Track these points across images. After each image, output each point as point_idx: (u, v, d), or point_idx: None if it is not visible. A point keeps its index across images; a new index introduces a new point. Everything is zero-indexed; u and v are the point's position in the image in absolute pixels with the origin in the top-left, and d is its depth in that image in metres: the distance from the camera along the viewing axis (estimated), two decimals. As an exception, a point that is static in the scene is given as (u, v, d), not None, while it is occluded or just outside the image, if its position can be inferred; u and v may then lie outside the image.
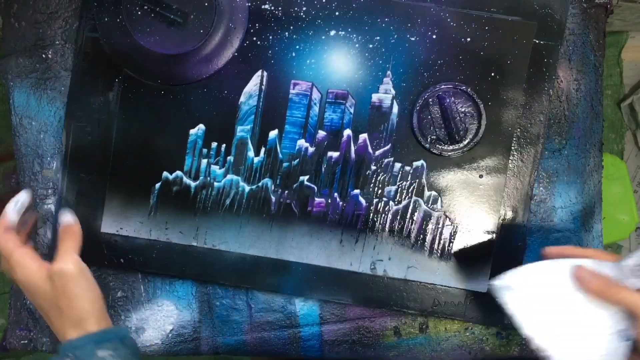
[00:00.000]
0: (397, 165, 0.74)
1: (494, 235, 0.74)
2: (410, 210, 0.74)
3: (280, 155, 0.74)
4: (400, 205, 0.74)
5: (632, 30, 1.28)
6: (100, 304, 0.62)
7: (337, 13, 0.72)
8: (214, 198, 0.74)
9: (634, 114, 1.29)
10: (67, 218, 0.67)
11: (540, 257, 0.62)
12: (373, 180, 0.74)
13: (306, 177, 0.74)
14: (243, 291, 0.76)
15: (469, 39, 0.72)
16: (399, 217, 0.74)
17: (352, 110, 0.73)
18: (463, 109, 0.72)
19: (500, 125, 0.73)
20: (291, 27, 0.73)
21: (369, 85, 0.73)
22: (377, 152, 0.74)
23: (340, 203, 0.74)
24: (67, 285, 0.61)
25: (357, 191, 0.74)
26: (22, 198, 0.66)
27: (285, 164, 0.74)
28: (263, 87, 0.73)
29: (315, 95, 0.73)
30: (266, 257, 0.75)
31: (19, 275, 0.62)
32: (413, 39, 0.72)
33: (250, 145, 0.74)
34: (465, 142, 0.72)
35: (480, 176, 0.74)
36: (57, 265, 0.61)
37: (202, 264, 0.75)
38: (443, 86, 0.72)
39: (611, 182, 1.16)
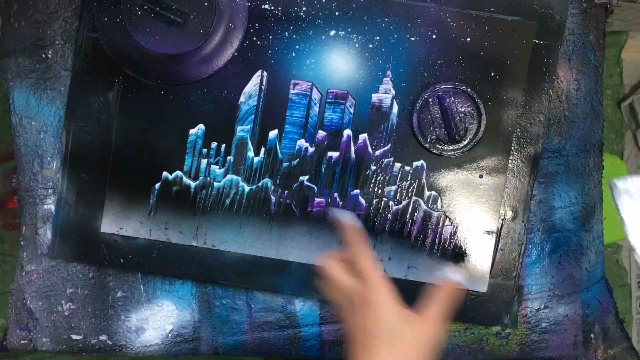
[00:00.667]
0: (397, 165, 0.74)
1: (494, 235, 0.74)
2: (410, 210, 0.74)
3: (280, 155, 0.74)
4: (400, 205, 0.74)
5: (632, 30, 1.28)
6: None
7: (337, 13, 0.72)
8: (213, 198, 0.74)
9: (634, 114, 1.29)
10: (458, 277, 0.62)
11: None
12: (373, 180, 0.74)
13: (306, 177, 0.74)
14: (243, 291, 0.76)
15: (468, 39, 0.72)
16: (398, 217, 0.74)
17: (352, 110, 0.73)
18: (463, 109, 0.72)
19: (500, 125, 0.73)
20: (291, 27, 0.73)
21: (368, 85, 0.73)
22: (377, 152, 0.74)
23: (340, 203, 0.74)
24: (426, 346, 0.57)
25: (357, 191, 0.74)
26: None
27: (285, 164, 0.74)
28: (263, 87, 0.73)
29: (315, 95, 0.73)
30: (266, 257, 0.75)
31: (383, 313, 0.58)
32: (413, 38, 0.72)
33: (250, 145, 0.74)
34: (465, 142, 0.72)
35: (480, 176, 0.74)
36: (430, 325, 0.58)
37: (202, 264, 0.75)
38: (443, 86, 0.72)
39: (611, 182, 1.16)
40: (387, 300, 0.58)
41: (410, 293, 0.74)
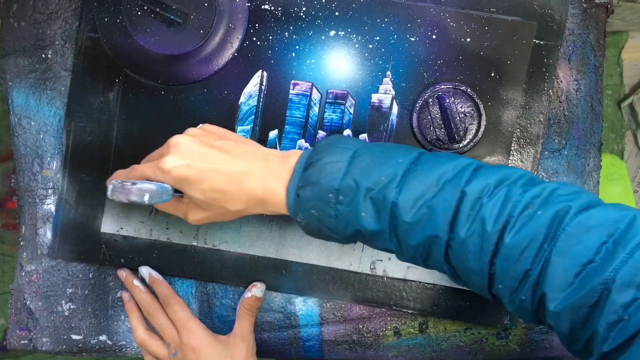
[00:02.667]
0: (397, 165, 0.74)
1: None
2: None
3: (280, 156, 0.74)
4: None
5: (632, 30, 1.28)
6: None
7: (337, 13, 0.72)
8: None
9: (634, 114, 1.29)
10: (258, 292, 0.73)
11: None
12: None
13: (306, 177, 0.74)
14: (243, 291, 0.76)
15: (468, 39, 0.72)
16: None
17: (352, 111, 0.73)
18: (463, 109, 0.72)
19: (500, 125, 0.73)
20: (291, 28, 0.73)
21: (368, 85, 0.73)
22: (377, 152, 0.74)
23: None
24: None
25: (357, 191, 0.74)
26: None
27: (285, 164, 0.74)
28: (263, 87, 0.73)
29: (315, 95, 0.73)
30: (266, 256, 0.75)
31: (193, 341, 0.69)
32: (413, 39, 0.72)
33: (250, 146, 0.74)
34: (465, 142, 0.72)
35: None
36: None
37: (202, 263, 0.75)
38: (443, 86, 0.72)
39: (611, 182, 1.16)
40: (201, 340, 0.68)
41: (412, 294, 0.75)
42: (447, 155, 0.54)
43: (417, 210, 0.50)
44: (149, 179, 0.59)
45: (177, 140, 0.58)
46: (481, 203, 0.49)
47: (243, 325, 0.71)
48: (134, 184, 0.55)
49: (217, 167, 0.56)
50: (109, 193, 0.56)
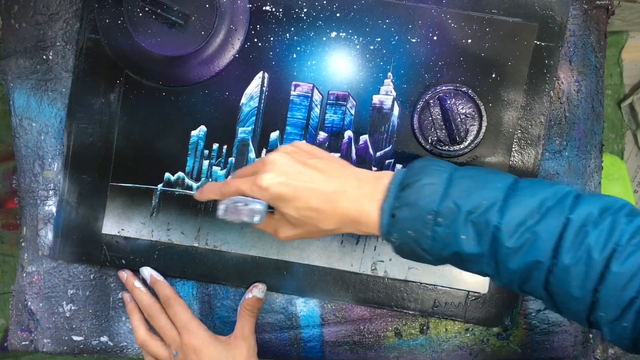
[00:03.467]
0: (398, 166, 0.74)
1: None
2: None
3: (281, 157, 0.74)
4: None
5: (632, 30, 1.28)
6: None
7: (338, 14, 0.72)
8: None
9: (634, 114, 1.29)
10: (259, 293, 0.74)
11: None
12: (374, 182, 0.74)
13: (307, 179, 0.74)
14: (244, 292, 0.76)
15: (469, 41, 0.72)
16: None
17: (353, 112, 0.73)
18: (464, 110, 0.72)
19: (501, 126, 0.73)
20: (292, 29, 0.73)
21: (369, 86, 0.73)
22: (378, 154, 0.74)
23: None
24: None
25: (358, 192, 0.74)
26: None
27: (286, 165, 0.74)
28: (264, 88, 0.73)
29: (316, 96, 0.73)
30: (267, 257, 0.75)
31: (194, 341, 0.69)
32: (414, 40, 0.72)
33: (251, 147, 0.74)
34: (466, 144, 0.72)
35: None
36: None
37: (203, 264, 0.75)
38: (444, 87, 0.72)
39: (611, 182, 1.16)
40: (202, 341, 0.69)
41: (413, 295, 0.75)
42: (544, 182, 0.55)
43: (520, 235, 0.51)
44: (244, 195, 0.59)
45: (273, 157, 0.59)
46: (586, 231, 0.50)
47: (244, 326, 0.71)
48: (246, 204, 0.56)
49: (313, 186, 0.57)
50: (220, 213, 0.57)
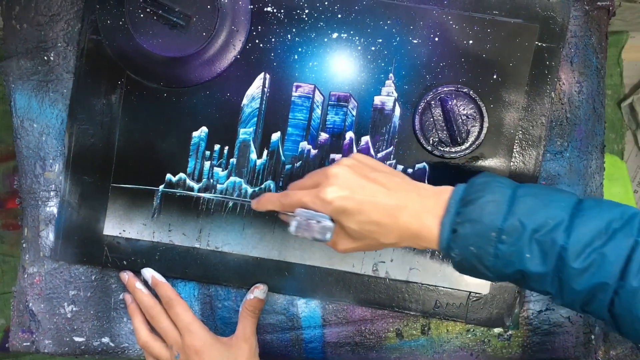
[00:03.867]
0: (399, 167, 0.74)
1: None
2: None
3: (282, 158, 0.74)
4: (403, 208, 0.74)
5: (632, 30, 1.28)
6: None
7: (339, 15, 0.72)
8: (217, 200, 0.74)
9: (634, 114, 1.29)
10: (260, 294, 0.74)
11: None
12: (375, 183, 0.74)
13: (309, 180, 0.74)
14: (245, 293, 0.76)
15: (471, 42, 0.72)
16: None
17: (354, 113, 0.73)
18: (465, 111, 0.72)
19: (502, 127, 0.73)
20: (293, 30, 0.73)
21: (371, 87, 0.73)
22: (379, 155, 0.74)
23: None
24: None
25: (359, 193, 0.74)
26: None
27: (287, 166, 0.74)
28: (265, 89, 0.73)
29: (318, 97, 0.73)
30: (269, 258, 0.75)
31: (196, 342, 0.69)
32: (415, 41, 0.72)
33: (252, 148, 0.74)
34: (467, 145, 0.72)
35: (482, 178, 0.74)
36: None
37: (204, 265, 0.75)
38: (445, 88, 0.72)
39: (611, 183, 1.16)
40: (204, 342, 0.69)
41: (414, 295, 0.75)
42: (609, 202, 0.55)
43: (586, 256, 0.51)
44: (305, 207, 0.59)
45: (336, 170, 0.59)
46: None
47: (246, 327, 0.71)
48: (318, 222, 0.56)
49: (375, 200, 0.57)
50: (292, 230, 0.57)
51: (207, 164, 0.74)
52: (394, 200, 0.57)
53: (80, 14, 0.74)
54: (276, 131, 0.74)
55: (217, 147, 0.74)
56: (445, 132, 0.73)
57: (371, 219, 0.57)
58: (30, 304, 0.77)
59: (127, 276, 0.74)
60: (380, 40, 0.73)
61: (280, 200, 0.63)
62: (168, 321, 0.71)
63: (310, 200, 0.59)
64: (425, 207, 0.57)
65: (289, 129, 0.74)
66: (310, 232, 0.57)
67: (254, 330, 0.72)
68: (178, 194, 0.74)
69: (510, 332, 0.76)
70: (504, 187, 0.56)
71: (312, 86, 0.73)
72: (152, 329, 0.73)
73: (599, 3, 0.74)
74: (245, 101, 0.73)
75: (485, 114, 0.72)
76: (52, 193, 0.76)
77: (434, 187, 0.60)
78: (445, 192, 0.58)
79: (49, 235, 0.76)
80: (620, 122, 1.31)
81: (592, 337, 0.77)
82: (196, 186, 0.74)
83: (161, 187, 0.74)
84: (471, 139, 0.73)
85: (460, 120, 0.72)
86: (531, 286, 0.55)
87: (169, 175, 0.74)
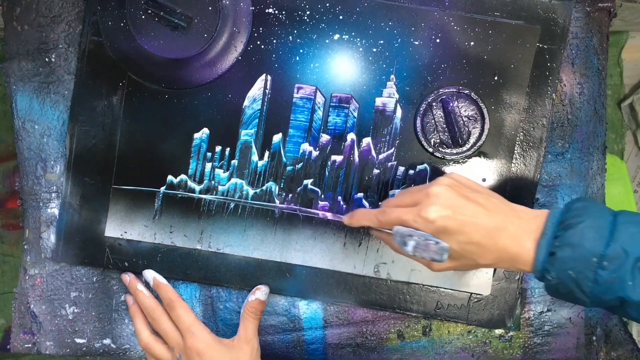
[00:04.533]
0: (401, 168, 0.74)
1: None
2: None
3: (284, 159, 0.74)
4: (404, 209, 0.74)
5: (632, 30, 1.28)
6: None
7: (341, 17, 0.72)
8: (218, 201, 0.74)
9: (634, 114, 1.29)
10: (262, 295, 0.73)
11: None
12: (376, 184, 0.74)
13: (310, 181, 0.74)
14: (247, 294, 0.76)
15: (472, 43, 0.72)
16: (402, 221, 0.74)
17: (355, 114, 0.73)
18: (466, 113, 0.72)
19: (503, 128, 0.73)
20: (295, 31, 0.73)
21: (372, 89, 0.73)
22: (381, 156, 0.74)
23: (344, 206, 0.74)
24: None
25: (360, 194, 0.74)
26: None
27: (289, 168, 0.74)
28: (267, 91, 0.73)
29: (319, 99, 0.73)
30: (270, 260, 0.75)
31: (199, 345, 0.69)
32: (417, 43, 0.72)
33: (254, 149, 0.74)
34: (468, 146, 0.73)
35: (484, 180, 0.74)
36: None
37: (206, 267, 0.75)
38: (446, 90, 0.72)
39: (611, 183, 1.16)
40: (206, 344, 0.69)
41: (416, 297, 0.75)
42: None
43: None
44: (404, 225, 0.59)
45: (437, 190, 0.59)
46: None
47: (247, 328, 0.71)
48: (437, 243, 0.56)
49: (476, 221, 0.57)
50: (409, 249, 0.57)
51: (208, 165, 0.74)
52: (494, 222, 0.58)
53: (82, 15, 0.74)
54: (277, 133, 0.74)
55: (218, 148, 0.74)
56: (446, 133, 0.73)
57: (472, 239, 0.58)
58: (32, 306, 0.77)
59: (128, 278, 0.74)
60: (381, 42, 0.73)
61: (378, 217, 0.63)
62: (170, 323, 0.71)
63: (412, 218, 0.59)
64: (524, 229, 0.57)
65: (290, 130, 0.74)
66: (429, 253, 0.56)
67: (256, 331, 0.72)
68: (179, 196, 0.74)
69: (511, 333, 0.76)
70: (605, 212, 0.56)
71: (314, 88, 0.73)
72: (154, 331, 0.73)
73: (600, 4, 0.74)
74: (246, 103, 0.73)
75: (486, 116, 0.72)
76: (53, 195, 0.76)
77: (532, 210, 0.60)
78: (543, 215, 0.58)
79: (50, 237, 0.76)
80: (620, 122, 1.31)
81: (594, 338, 0.77)
82: (197, 188, 0.74)
83: (162, 189, 0.74)
84: (472, 140, 0.73)
85: (461, 121, 0.72)
86: (630, 314, 0.55)
87: (170, 177, 0.74)
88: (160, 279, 0.74)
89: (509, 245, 0.57)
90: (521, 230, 0.57)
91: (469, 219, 0.57)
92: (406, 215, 0.59)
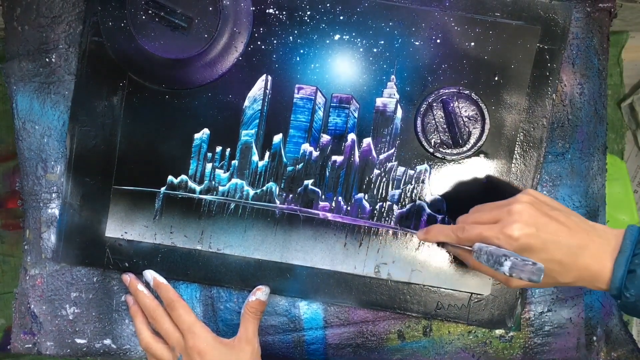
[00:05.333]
0: (401, 169, 0.74)
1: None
2: (414, 214, 0.74)
3: (284, 159, 0.74)
4: (404, 209, 0.74)
5: (632, 30, 1.28)
6: None
7: (341, 17, 0.72)
8: (218, 202, 0.74)
9: (634, 114, 1.29)
10: (262, 296, 0.73)
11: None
12: (377, 184, 0.74)
13: (311, 181, 0.74)
14: (247, 294, 0.76)
15: (472, 44, 0.72)
16: (402, 221, 0.74)
17: (356, 115, 0.73)
18: (467, 113, 0.72)
19: (503, 129, 0.73)
20: (295, 32, 0.72)
21: (373, 89, 0.73)
22: (381, 156, 0.74)
23: (345, 207, 0.74)
24: None
25: (361, 195, 0.74)
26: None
27: (289, 168, 0.74)
28: (267, 91, 0.73)
29: (320, 99, 0.73)
30: (270, 260, 0.75)
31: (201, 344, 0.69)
32: (417, 43, 0.72)
33: (254, 150, 0.74)
34: (468, 146, 0.73)
35: (484, 180, 0.74)
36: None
37: (206, 267, 0.75)
38: (447, 90, 0.72)
39: (611, 183, 1.16)
40: (207, 344, 0.68)
41: (416, 297, 0.75)
42: None
43: None
44: (486, 242, 0.60)
45: (520, 207, 0.59)
46: None
47: (248, 328, 0.71)
48: (534, 264, 0.56)
49: (558, 239, 0.58)
50: (505, 269, 0.56)
51: (208, 165, 0.74)
52: (576, 240, 0.58)
53: (82, 15, 0.74)
54: (278, 133, 0.74)
55: (218, 148, 0.74)
56: (446, 133, 0.73)
57: (554, 257, 0.58)
58: (32, 306, 0.77)
59: (129, 278, 0.74)
60: (382, 42, 0.73)
61: (456, 233, 0.63)
62: (170, 323, 0.71)
63: (494, 235, 0.59)
64: (605, 248, 0.58)
65: (291, 130, 0.74)
66: (525, 274, 0.56)
67: (256, 331, 0.72)
68: (180, 196, 0.74)
69: (511, 333, 0.76)
70: None
71: (314, 88, 0.73)
72: (154, 331, 0.73)
73: (600, 5, 0.74)
74: (247, 103, 0.73)
75: (486, 116, 0.72)
76: (53, 195, 0.76)
77: (612, 229, 0.60)
78: (622, 233, 0.59)
79: (50, 237, 0.76)
80: (620, 122, 1.31)
81: (594, 338, 0.77)
82: (198, 188, 0.74)
83: (163, 189, 0.74)
84: (473, 140, 0.73)
85: (461, 121, 0.72)
86: None
87: (170, 177, 0.74)
88: (161, 279, 0.74)
89: (590, 264, 0.58)
90: (602, 249, 0.58)
91: (551, 237, 0.58)
92: (488, 232, 0.59)
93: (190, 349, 0.68)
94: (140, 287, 0.73)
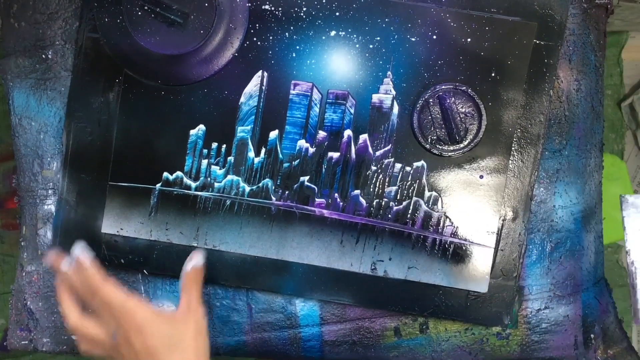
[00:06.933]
0: (398, 165, 0.74)
1: (494, 235, 0.74)
2: (410, 211, 0.74)
3: (280, 156, 0.74)
4: (401, 206, 0.74)
5: (632, 30, 1.28)
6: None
7: (337, 13, 0.72)
8: (214, 198, 0.74)
9: (634, 114, 1.29)
10: (198, 261, 0.68)
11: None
12: (373, 181, 0.74)
13: (307, 178, 0.74)
14: (243, 292, 0.76)
15: (469, 40, 0.72)
16: (399, 218, 0.74)
17: (352, 111, 0.73)
18: (463, 110, 0.72)
19: (500, 125, 0.73)
20: (291, 28, 0.72)
21: (369, 85, 0.73)
22: (378, 153, 0.74)
23: (341, 203, 0.74)
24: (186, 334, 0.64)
25: (357, 191, 0.74)
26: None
27: (285, 165, 0.74)
28: (263, 87, 0.73)
29: (316, 95, 0.73)
30: (266, 257, 0.75)
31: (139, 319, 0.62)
32: (413, 39, 0.72)
33: (250, 146, 0.74)
34: (465, 143, 0.72)
35: (481, 176, 0.74)
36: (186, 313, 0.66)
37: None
38: (443, 86, 0.72)
39: (611, 182, 1.16)
40: (144, 318, 0.62)
41: (413, 294, 0.75)
42: None
43: None
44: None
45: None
46: None
47: (190, 299, 0.66)
48: None
49: None
50: None
51: (204, 162, 0.74)
52: None
53: (78, 12, 0.74)
54: (274, 129, 0.74)
55: (214, 145, 0.74)
56: (443, 130, 0.73)
57: None
58: (29, 302, 0.77)
59: (51, 258, 0.67)
60: (378, 38, 0.72)
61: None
62: (102, 301, 0.64)
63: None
64: None
65: (287, 127, 0.74)
66: None
67: (199, 301, 0.67)
68: (175, 193, 0.74)
69: (508, 330, 0.76)
70: None
71: (310, 84, 0.73)
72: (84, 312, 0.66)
73: (597, 1, 0.74)
74: (242, 99, 0.73)
75: (483, 112, 0.72)
76: (50, 191, 0.76)
77: None
78: None
79: (47, 234, 0.76)
80: (620, 122, 1.32)
81: (592, 335, 0.77)
82: (193, 184, 0.74)
83: (158, 186, 0.74)
84: (469, 137, 0.72)
85: (458, 118, 0.72)
86: None
87: (166, 174, 0.74)
88: (85, 257, 0.65)
89: None
90: None
91: None
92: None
93: (128, 324, 0.62)
94: (65, 266, 0.66)
